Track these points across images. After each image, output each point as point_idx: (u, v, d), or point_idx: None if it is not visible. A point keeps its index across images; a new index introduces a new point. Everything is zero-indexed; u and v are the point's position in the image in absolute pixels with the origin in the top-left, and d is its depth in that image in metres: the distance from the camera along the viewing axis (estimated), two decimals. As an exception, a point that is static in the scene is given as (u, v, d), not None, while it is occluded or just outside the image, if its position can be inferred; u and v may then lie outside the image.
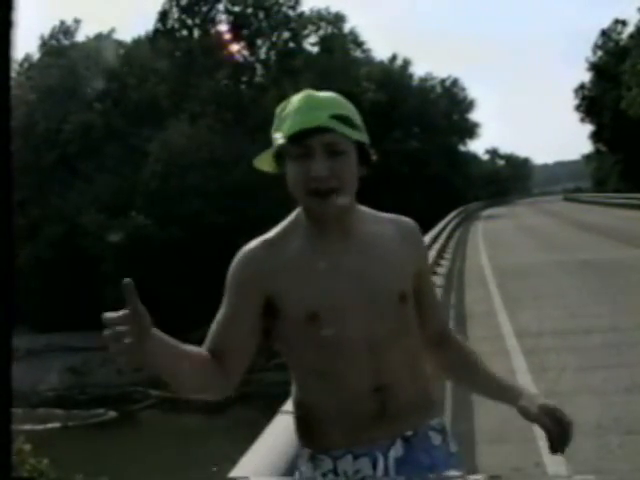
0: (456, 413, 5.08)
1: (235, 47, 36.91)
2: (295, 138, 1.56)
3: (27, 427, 16.58)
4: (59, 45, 41.17)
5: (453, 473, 1.63)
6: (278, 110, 1.64)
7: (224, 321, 1.61)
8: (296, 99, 1.61)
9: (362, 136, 1.62)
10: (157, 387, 22.96)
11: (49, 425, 20.08)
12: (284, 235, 1.66)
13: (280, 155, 1.61)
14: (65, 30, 41.65)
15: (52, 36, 41.62)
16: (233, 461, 2.11)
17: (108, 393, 23.00)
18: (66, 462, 12.09)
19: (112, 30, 41.66)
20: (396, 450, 1.62)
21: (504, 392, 1.73)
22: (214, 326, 1.63)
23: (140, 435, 18.49)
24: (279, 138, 1.59)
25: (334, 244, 1.63)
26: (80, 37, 41.89)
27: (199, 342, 1.62)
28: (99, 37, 41.01)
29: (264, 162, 1.67)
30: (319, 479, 1.61)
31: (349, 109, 1.63)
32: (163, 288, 27.75)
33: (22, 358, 23.98)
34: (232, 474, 2.01)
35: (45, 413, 21.02)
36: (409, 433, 1.64)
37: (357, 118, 1.64)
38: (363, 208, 1.73)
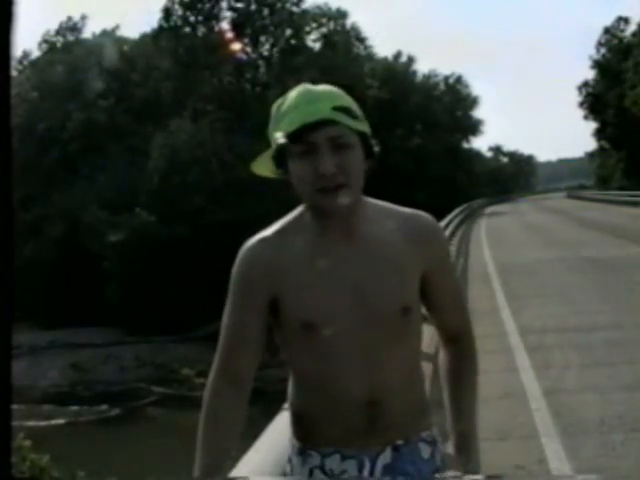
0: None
1: (237, 45, 36.84)
2: (297, 135, 1.49)
3: (31, 423, 16.62)
4: (65, 41, 41.20)
5: None
6: (275, 108, 1.57)
7: (235, 326, 1.59)
8: (293, 94, 1.55)
9: (365, 127, 1.55)
10: (160, 384, 23.01)
11: (53, 421, 20.13)
12: (287, 234, 1.60)
13: (280, 156, 1.54)
14: (72, 26, 41.69)
15: (58, 32, 41.66)
16: (235, 458, 2.11)
17: (111, 390, 23.03)
18: (69, 458, 12.10)
19: (116, 27, 41.76)
20: (385, 457, 1.61)
21: (453, 429, 1.68)
22: (226, 331, 1.60)
23: (143, 432, 18.51)
24: (279, 137, 1.51)
25: (337, 248, 1.57)
26: (87, 34, 41.98)
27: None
28: (104, 34, 41.02)
29: (263, 166, 1.60)
30: (306, 474, 1.63)
31: (349, 100, 1.56)
32: (166, 285, 27.76)
33: (25, 355, 24.01)
34: (234, 472, 2.00)
35: (49, 409, 21.06)
36: (400, 442, 1.62)
37: (357, 109, 1.56)
38: (371, 202, 1.65)
